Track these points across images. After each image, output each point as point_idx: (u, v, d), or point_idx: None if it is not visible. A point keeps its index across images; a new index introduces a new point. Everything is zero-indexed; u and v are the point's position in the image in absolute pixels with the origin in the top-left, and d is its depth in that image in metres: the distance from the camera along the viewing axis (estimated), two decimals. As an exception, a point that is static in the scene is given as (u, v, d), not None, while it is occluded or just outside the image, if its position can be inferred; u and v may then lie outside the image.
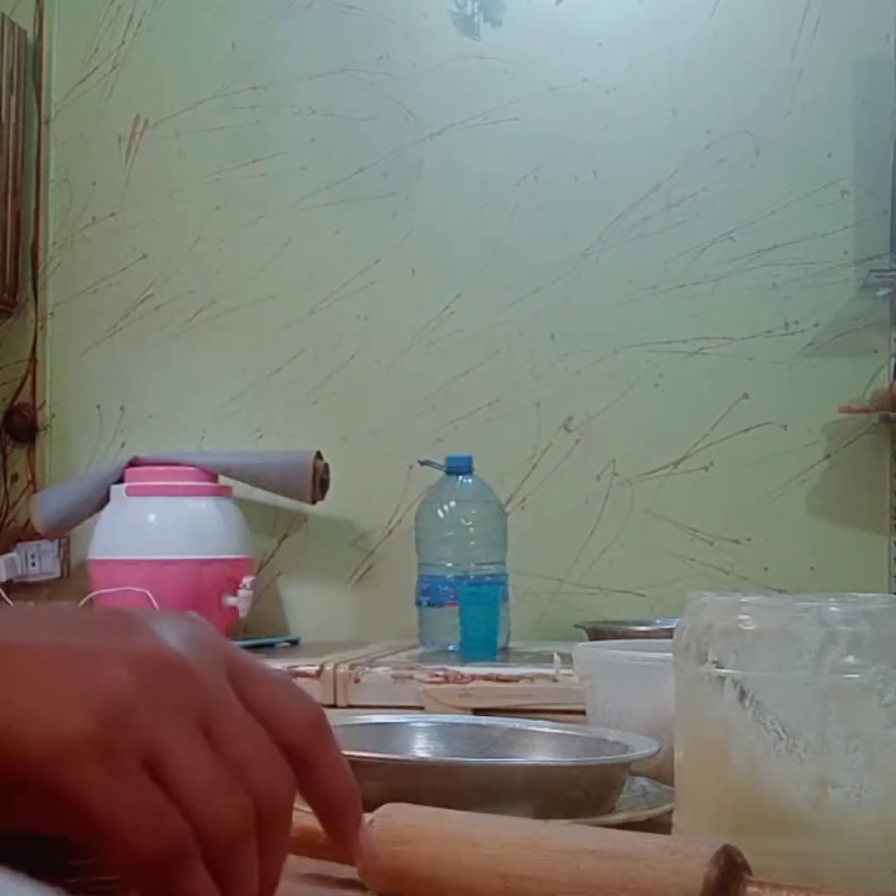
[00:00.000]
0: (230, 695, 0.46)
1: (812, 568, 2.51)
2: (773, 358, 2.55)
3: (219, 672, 0.46)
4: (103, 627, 0.46)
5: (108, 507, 2.48)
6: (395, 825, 0.75)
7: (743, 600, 0.82)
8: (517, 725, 1.08)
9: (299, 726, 0.48)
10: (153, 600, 2.31)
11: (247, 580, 2.40)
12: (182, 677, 0.45)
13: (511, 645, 2.32)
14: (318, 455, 2.53)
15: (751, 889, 0.65)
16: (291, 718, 0.47)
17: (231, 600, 2.39)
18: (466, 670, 2.01)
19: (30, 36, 2.76)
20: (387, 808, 0.76)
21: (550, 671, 1.90)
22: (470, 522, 2.33)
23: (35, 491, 2.69)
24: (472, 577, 2.30)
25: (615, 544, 2.57)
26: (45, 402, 2.75)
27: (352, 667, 2.06)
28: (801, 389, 2.54)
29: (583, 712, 1.18)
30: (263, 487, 2.57)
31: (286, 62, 2.70)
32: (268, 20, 2.71)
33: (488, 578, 2.30)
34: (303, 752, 0.48)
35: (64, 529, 2.58)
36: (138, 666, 0.44)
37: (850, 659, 0.78)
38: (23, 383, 2.75)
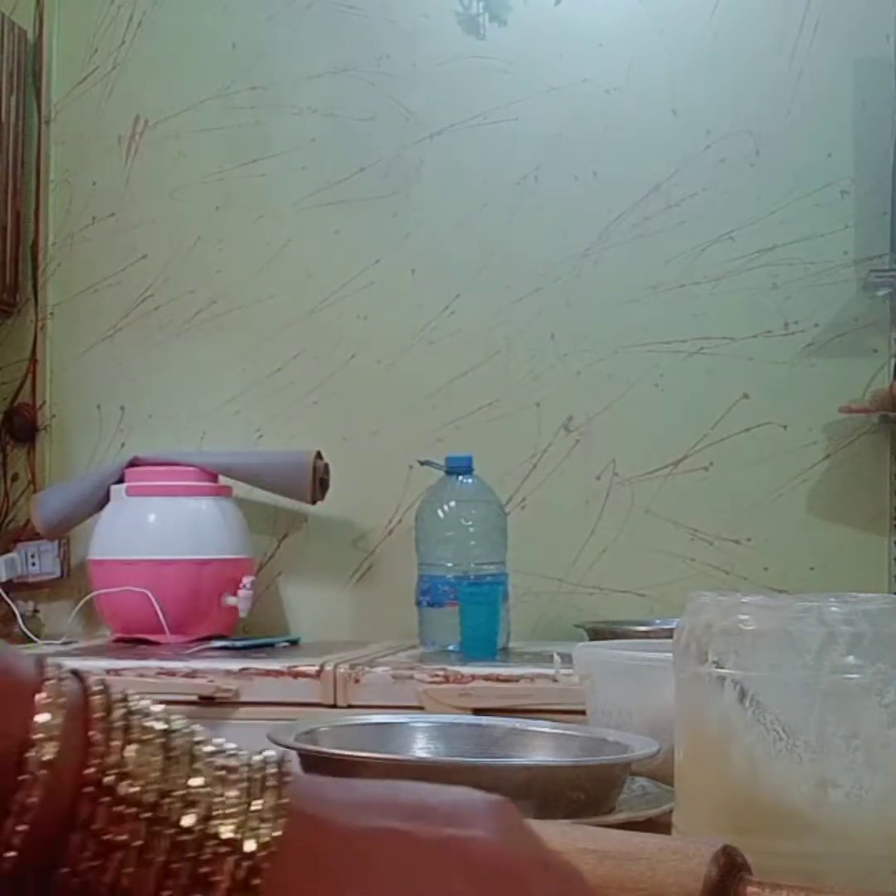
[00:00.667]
0: None
1: (812, 568, 2.51)
2: (773, 358, 2.55)
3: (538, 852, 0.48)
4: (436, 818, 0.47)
5: (108, 507, 2.48)
6: None
7: (743, 600, 0.82)
8: (517, 725, 1.08)
9: None
10: (154, 600, 2.31)
11: (247, 580, 2.40)
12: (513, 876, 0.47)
13: (511, 645, 2.32)
14: (318, 455, 2.53)
15: (751, 889, 0.65)
16: None
17: (231, 600, 2.39)
18: (466, 670, 2.01)
19: (30, 36, 2.76)
20: None
21: (550, 671, 1.90)
22: (470, 522, 2.33)
23: (35, 491, 2.69)
24: (472, 577, 2.30)
25: (615, 544, 2.57)
26: (45, 402, 2.75)
27: (352, 667, 2.06)
28: (801, 389, 2.54)
29: (583, 712, 1.18)
30: (263, 487, 2.57)
31: (286, 62, 2.70)
32: (268, 20, 2.71)
33: (488, 578, 2.30)
34: None
35: (64, 529, 2.58)
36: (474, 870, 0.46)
37: (850, 659, 0.78)
38: (23, 383, 2.75)
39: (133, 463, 2.51)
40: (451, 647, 2.24)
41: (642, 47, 2.61)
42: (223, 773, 0.45)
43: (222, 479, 2.52)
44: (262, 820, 0.44)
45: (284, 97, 2.70)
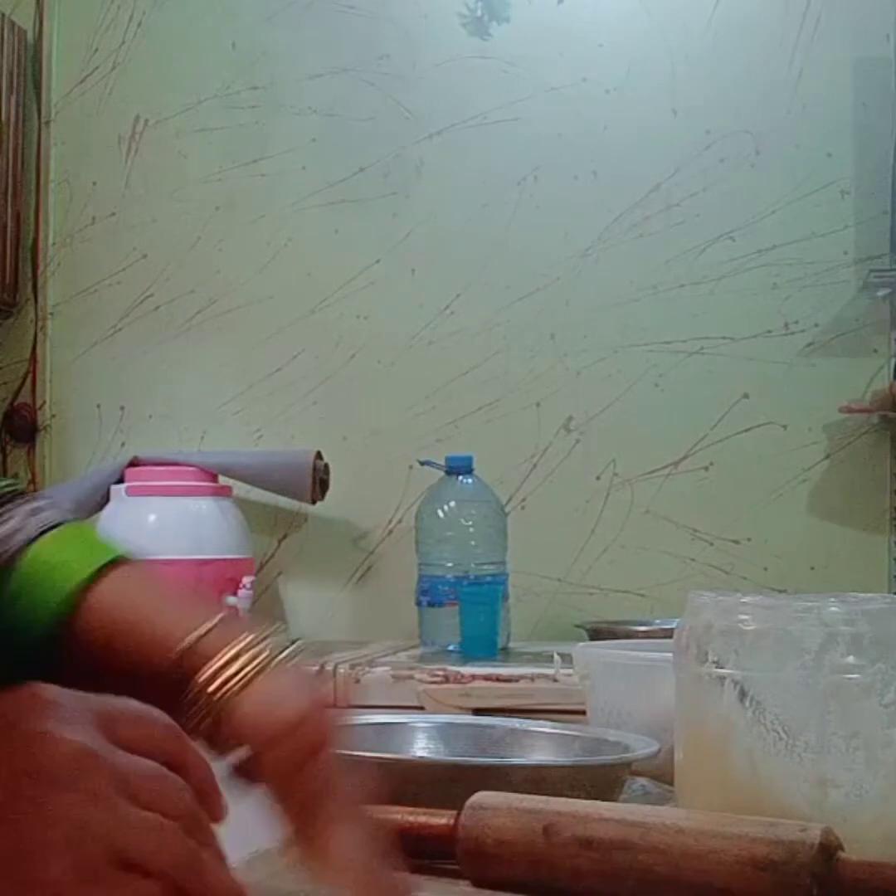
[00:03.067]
0: (117, 755, 0.56)
1: (812, 568, 2.51)
2: (773, 358, 2.55)
3: (98, 737, 0.56)
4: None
5: (108, 507, 2.48)
6: (486, 817, 0.77)
7: (743, 600, 0.82)
8: (517, 725, 1.08)
9: (163, 741, 0.59)
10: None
11: (247, 580, 2.40)
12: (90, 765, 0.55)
13: (511, 645, 2.32)
14: (318, 455, 2.53)
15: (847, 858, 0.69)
16: (156, 744, 0.59)
17: (231, 600, 2.39)
18: (466, 670, 2.01)
19: (30, 36, 2.76)
20: (480, 798, 0.79)
21: (550, 671, 1.90)
22: (470, 522, 2.33)
23: (35, 491, 2.68)
24: (472, 577, 2.30)
25: (615, 544, 2.57)
26: (45, 402, 2.75)
27: (352, 667, 2.05)
28: (801, 389, 2.54)
29: (583, 712, 1.18)
30: (263, 487, 2.57)
31: (286, 62, 2.70)
32: (268, 20, 2.71)
33: (488, 578, 2.30)
34: (173, 761, 0.59)
35: (64, 529, 2.57)
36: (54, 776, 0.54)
37: (850, 659, 0.78)
38: (23, 383, 2.76)
39: (133, 463, 2.51)
40: (451, 647, 2.24)
41: (642, 47, 2.61)
42: None
43: (222, 479, 2.52)
44: None
45: (284, 97, 2.70)
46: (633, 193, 2.59)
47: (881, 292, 2.49)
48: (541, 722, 1.11)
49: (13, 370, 2.76)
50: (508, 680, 1.98)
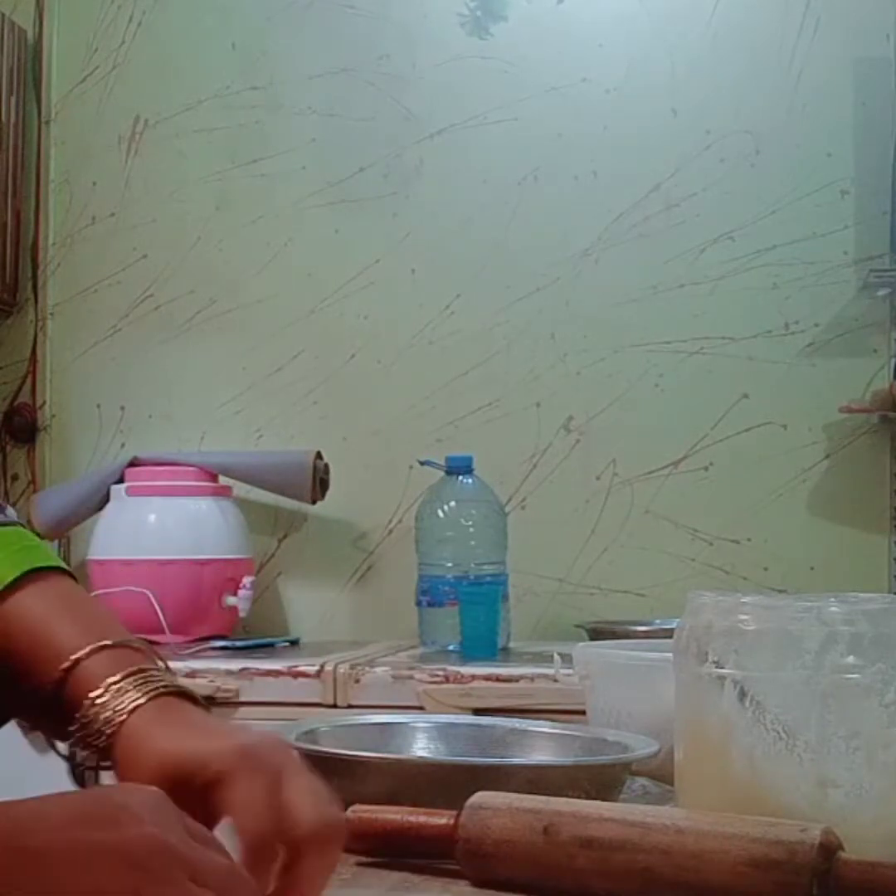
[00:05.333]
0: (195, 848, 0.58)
1: (812, 568, 2.51)
2: (773, 358, 2.55)
3: (181, 834, 0.58)
4: (96, 822, 0.57)
5: (108, 507, 2.48)
6: (487, 817, 0.78)
7: (743, 600, 0.82)
8: (517, 725, 1.08)
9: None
10: (154, 600, 2.31)
11: (247, 580, 2.40)
12: (168, 856, 0.57)
13: (511, 645, 2.32)
14: (318, 455, 2.53)
15: (850, 861, 0.69)
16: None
17: (231, 600, 2.39)
18: (466, 670, 2.01)
19: (30, 36, 2.76)
20: (480, 798, 0.79)
21: (550, 671, 1.89)
22: (470, 522, 2.33)
23: (35, 491, 2.69)
24: (472, 577, 2.30)
25: (615, 544, 2.57)
26: (45, 402, 2.75)
27: (352, 667, 2.05)
28: (801, 389, 2.54)
29: (583, 712, 1.18)
30: (263, 487, 2.57)
31: (286, 62, 2.70)
32: (268, 20, 2.71)
33: (488, 578, 2.30)
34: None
35: (64, 529, 2.58)
36: (135, 860, 0.56)
37: (850, 659, 0.78)
38: (23, 383, 2.75)
39: (133, 463, 2.51)
40: (451, 647, 2.24)
41: (642, 47, 2.61)
42: None
43: (222, 479, 2.52)
44: None
45: (284, 97, 2.70)
46: (633, 193, 2.59)
47: (881, 292, 2.49)
48: (541, 722, 1.11)
49: (13, 370, 2.76)
50: (508, 680, 1.98)
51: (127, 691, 0.70)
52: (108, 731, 0.70)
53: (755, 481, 2.54)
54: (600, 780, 0.92)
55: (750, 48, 2.58)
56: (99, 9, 2.75)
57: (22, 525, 0.82)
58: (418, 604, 2.34)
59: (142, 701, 0.70)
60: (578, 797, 0.88)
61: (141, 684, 0.71)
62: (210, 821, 0.65)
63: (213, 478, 2.51)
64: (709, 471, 2.56)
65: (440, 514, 2.34)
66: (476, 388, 2.62)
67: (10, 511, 0.83)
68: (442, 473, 2.38)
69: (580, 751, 1.01)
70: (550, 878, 0.76)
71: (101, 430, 2.72)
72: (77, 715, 0.70)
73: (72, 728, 0.71)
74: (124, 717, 0.70)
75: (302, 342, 2.67)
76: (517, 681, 1.98)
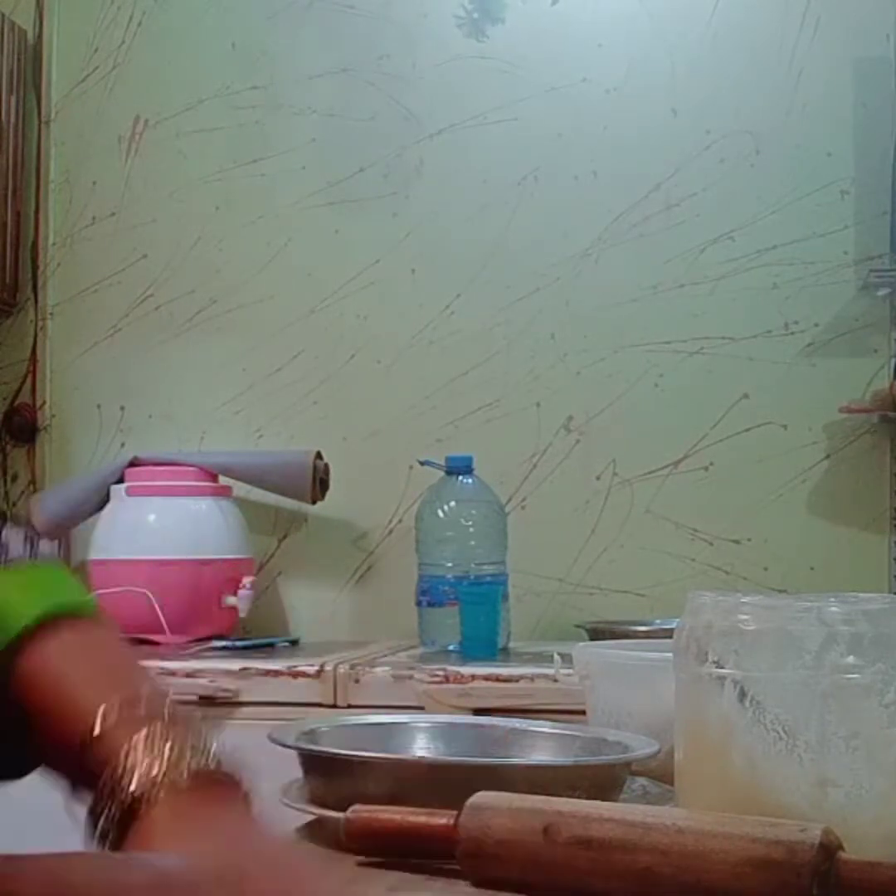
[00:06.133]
0: None
1: (812, 568, 2.51)
2: (773, 358, 2.55)
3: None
4: None
5: (108, 507, 2.48)
6: (487, 817, 0.78)
7: (743, 600, 0.82)
8: (517, 725, 1.08)
9: None
10: (153, 600, 2.31)
11: (247, 580, 2.40)
12: None
13: (511, 645, 2.32)
14: (318, 455, 2.53)
15: (850, 861, 0.69)
16: None
17: (231, 600, 2.39)
18: (466, 670, 2.01)
19: (30, 36, 2.76)
20: (479, 799, 0.79)
21: (550, 671, 1.89)
22: (470, 522, 2.33)
23: (35, 491, 2.69)
24: (472, 577, 2.30)
25: (615, 544, 2.57)
26: (45, 402, 2.75)
27: (352, 667, 2.05)
28: (801, 389, 2.54)
29: (583, 712, 1.18)
30: (263, 487, 2.57)
31: (286, 62, 2.70)
32: (268, 20, 2.71)
33: (488, 578, 2.30)
34: None
35: (64, 529, 2.58)
36: None
37: (850, 659, 0.78)
38: (23, 383, 2.75)
39: (133, 463, 2.51)
40: (451, 647, 2.24)
41: (642, 47, 2.61)
42: None
43: (222, 479, 2.52)
44: None
45: (284, 97, 2.70)
46: (633, 193, 2.59)
47: (881, 292, 2.49)
48: (541, 722, 1.11)
49: (13, 370, 2.76)
50: (508, 680, 1.98)
51: (149, 774, 0.67)
52: (126, 819, 0.67)
53: (755, 481, 2.54)
54: (600, 780, 0.92)
55: (750, 48, 2.58)
56: (99, 9, 2.75)
57: (54, 561, 0.80)
58: (418, 604, 2.34)
59: (162, 795, 0.67)
60: (578, 797, 0.88)
61: (165, 772, 0.68)
62: None
63: (213, 478, 2.51)
64: (709, 471, 2.56)
65: (440, 514, 2.34)
66: (476, 388, 2.62)
67: (44, 545, 0.81)
68: (442, 473, 2.38)
69: (580, 751, 1.01)
70: (550, 878, 0.76)
71: (101, 430, 2.72)
72: (97, 788, 0.68)
73: (92, 804, 0.69)
74: (142, 807, 0.67)
75: (302, 342, 2.67)
76: (517, 681, 1.98)
